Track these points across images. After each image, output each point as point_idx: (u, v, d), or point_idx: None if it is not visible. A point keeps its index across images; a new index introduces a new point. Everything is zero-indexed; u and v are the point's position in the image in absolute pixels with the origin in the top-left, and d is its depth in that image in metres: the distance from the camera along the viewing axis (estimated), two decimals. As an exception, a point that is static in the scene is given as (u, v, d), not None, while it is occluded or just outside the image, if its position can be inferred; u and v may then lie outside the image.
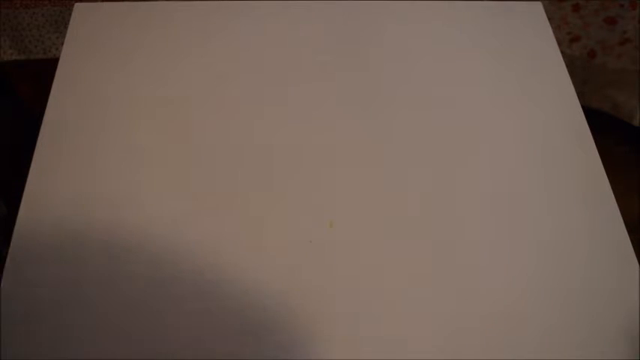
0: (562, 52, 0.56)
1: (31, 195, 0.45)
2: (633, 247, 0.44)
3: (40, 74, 0.96)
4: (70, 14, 0.57)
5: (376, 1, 0.59)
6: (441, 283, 0.42)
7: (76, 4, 0.58)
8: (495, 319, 0.41)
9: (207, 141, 0.48)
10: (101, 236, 0.44)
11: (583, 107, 0.52)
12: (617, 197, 0.46)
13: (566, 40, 1.08)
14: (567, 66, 0.54)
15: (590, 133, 0.50)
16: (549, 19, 0.58)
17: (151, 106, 0.50)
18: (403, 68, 0.55)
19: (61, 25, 0.97)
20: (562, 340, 0.40)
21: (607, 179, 0.47)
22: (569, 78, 0.54)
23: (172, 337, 0.40)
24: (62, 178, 0.46)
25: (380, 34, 0.57)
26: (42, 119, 0.49)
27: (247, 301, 0.41)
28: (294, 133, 0.50)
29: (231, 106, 0.50)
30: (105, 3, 0.59)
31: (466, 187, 0.47)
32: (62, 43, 0.64)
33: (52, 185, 0.46)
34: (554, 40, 0.57)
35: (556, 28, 1.05)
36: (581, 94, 0.53)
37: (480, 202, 0.46)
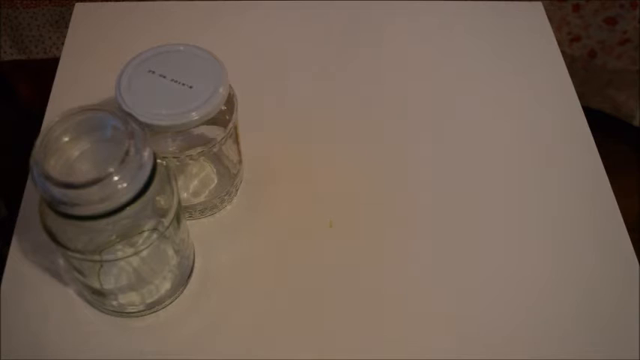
0: (562, 52, 0.56)
1: (31, 195, 0.45)
2: (633, 247, 0.44)
3: (40, 74, 0.96)
4: (70, 14, 0.57)
5: (377, 0, 0.59)
6: (440, 283, 0.42)
7: (76, 4, 0.58)
8: (494, 319, 0.41)
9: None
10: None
11: (583, 107, 0.52)
12: (617, 197, 0.46)
13: (567, 40, 1.08)
14: (567, 66, 0.55)
15: (590, 133, 0.50)
16: (549, 19, 0.58)
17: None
18: (403, 68, 0.55)
19: (61, 25, 0.97)
20: (562, 340, 0.40)
21: (607, 179, 0.47)
22: (569, 78, 0.54)
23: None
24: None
25: (380, 33, 0.57)
26: (42, 119, 0.49)
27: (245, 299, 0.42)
28: (293, 130, 0.50)
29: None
30: (105, 3, 0.59)
31: (466, 186, 0.47)
32: (62, 43, 0.64)
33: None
34: (555, 40, 0.57)
35: (556, 28, 1.05)
36: (581, 94, 0.53)
37: (480, 202, 0.46)
